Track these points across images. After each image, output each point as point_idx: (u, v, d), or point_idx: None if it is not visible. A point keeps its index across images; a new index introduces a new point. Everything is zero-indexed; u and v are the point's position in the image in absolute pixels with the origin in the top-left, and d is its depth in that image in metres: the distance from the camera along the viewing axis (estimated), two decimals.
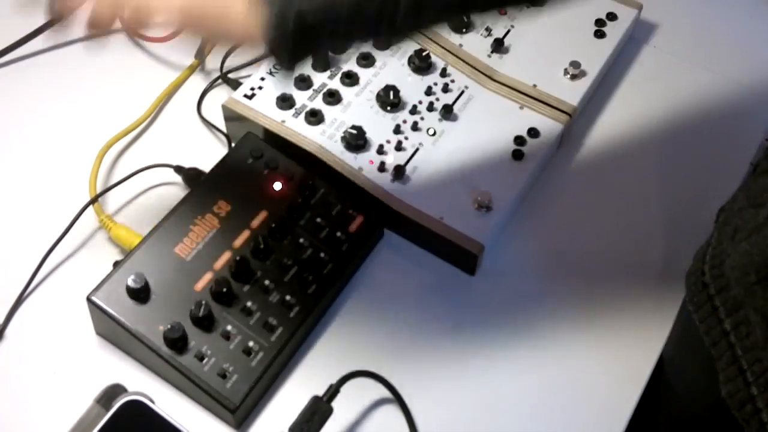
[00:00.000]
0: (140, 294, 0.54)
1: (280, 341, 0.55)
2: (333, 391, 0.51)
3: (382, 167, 0.62)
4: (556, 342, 0.59)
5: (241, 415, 0.54)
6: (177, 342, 0.53)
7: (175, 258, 0.56)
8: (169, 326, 0.53)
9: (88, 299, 0.54)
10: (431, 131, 0.64)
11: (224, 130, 0.68)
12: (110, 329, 0.55)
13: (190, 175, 0.63)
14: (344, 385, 0.51)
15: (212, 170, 0.61)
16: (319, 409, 0.50)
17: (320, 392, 0.52)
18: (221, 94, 0.69)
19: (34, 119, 0.69)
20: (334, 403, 0.51)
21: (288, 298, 0.57)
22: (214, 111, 0.68)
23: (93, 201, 0.62)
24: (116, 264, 0.56)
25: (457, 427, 0.55)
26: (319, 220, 0.60)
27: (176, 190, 0.65)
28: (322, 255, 0.59)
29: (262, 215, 0.59)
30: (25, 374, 0.56)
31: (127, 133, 0.67)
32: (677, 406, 0.64)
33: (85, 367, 0.56)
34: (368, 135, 0.63)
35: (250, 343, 0.55)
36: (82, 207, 0.61)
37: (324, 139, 0.63)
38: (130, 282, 0.54)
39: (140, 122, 0.68)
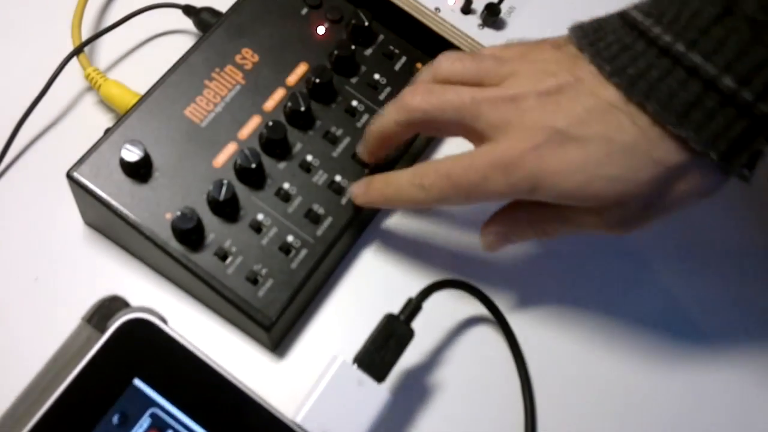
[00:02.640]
0: (139, 169, 0.40)
1: (329, 235, 0.41)
2: (413, 307, 0.37)
3: (467, 6, 0.45)
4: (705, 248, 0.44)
5: (279, 333, 0.40)
6: (190, 234, 0.39)
7: (185, 123, 0.42)
8: (179, 213, 0.39)
9: (69, 176, 0.40)
10: None
11: None
12: (101, 217, 0.41)
13: (203, 18, 0.47)
14: (427, 300, 0.37)
15: (233, 8, 0.45)
16: (395, 332, 0.36)
17: (388, 307, 0.38)
18: None
19: None
20: (415, 324, 0.37)
21: (338, 179, 0.42)
22: None
23: (77, 51, 0.46)
24: (108, 131, 0.42)
25: (572, 356, 0.41)
26: (377, 76, 0.45)
27: (186, 39, 0.49)
28: None
29: (302, 68, 0.44)
30: None
31: None
32: None
33: (75, 268, 0.43)
34: None
35: (289, 238, 0.40)
36: (63, 59, 0.46)
37: None
38: (125, 153, 0.39)
39: None
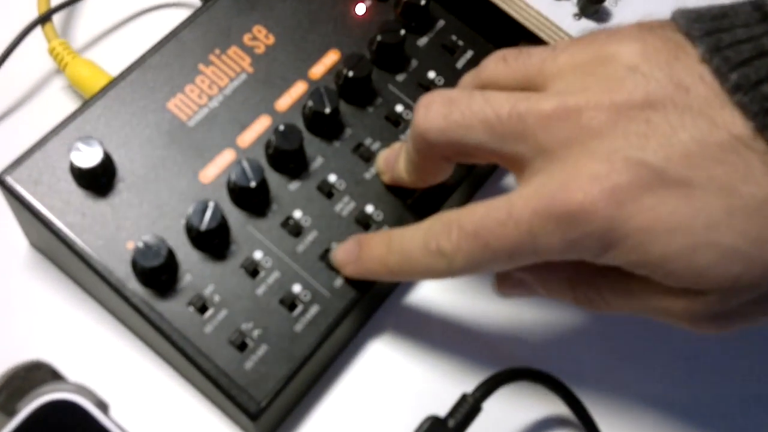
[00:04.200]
0: (96, 178, 0.29)
1: (350, 289, 0.29)
2: (469, 408, 0.25)
3: None
4: None
5: (270, 423, 0.28)
6: (156, 274, 0.28)
7: (167, 119, 0.31)
8: (142, 244, 0.28)
9: (1, 181, 0.29)
10: None
11: None
12: (44, 240, 0.30)
13: None
14: (489, 398, 0.25)
15: None
16: None
17: (422, 401, 0.26)
18: None
19: None
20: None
21: (370, 210, 0.31)
22: None
23: (42, 19, 0.36)
24: (60, 125, 0.31)
25: None
26: (432, 74, 0.33)
27: (183, 12, 0.39)
28: None
29: (331, 57, 0.33)
30: None
31: None
32: None
33: (9, 304, 0.32)
34: None
35: (296, 288, 0.29)
36: (23, 28, 0.36)
37: None
38: (76, 155, 0.28)
39: None
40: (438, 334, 0.31)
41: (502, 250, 0.24)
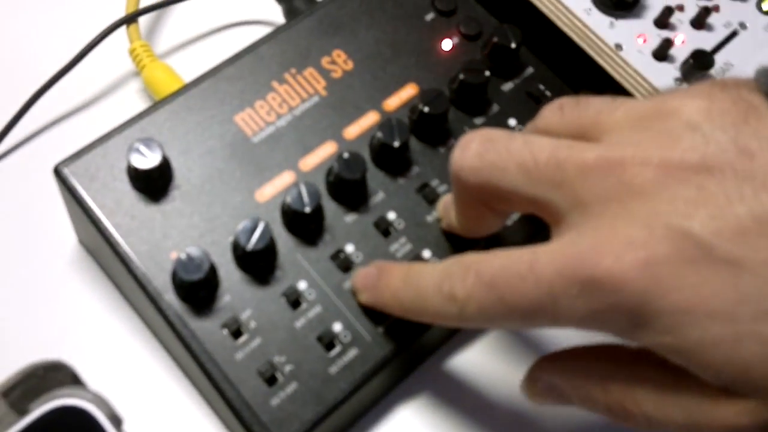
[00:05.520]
0: (152, 181, 0.28)
1: (396, 336, 0.27)
2: None
3: (663, 50, 0.31)
4: None
5: None
6: (195, 289, 0.26)
7: (232, 132, 0.30)
8: (185, 255, 0.26)
9: (56, 172, 0.29)
10: None
11: None
12: (90, 237, 0.30)
13: (297, 6, 0.36)
14: None
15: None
16: None
17: None
18: None
19: None
20: None
21: (426, 255, 0.28)
22: None
23: (128, 20, 0.36)
24: (124, 124, 0.30)
25: None
26: (513, 122, 0.31)
27: (268, 30, 0.38)
28: None
29: (409, 91, 0.31)
30: None
31: None
32: None
33: (50, 299, 0.31)
34: None
35: (336, 327, 0.27)
36: (108, 26, 0.36)
37: None
38: (135, 156, 0.27)
39: None
40: (475, 405, 0.29)
41: (518, 307, 0.21)
